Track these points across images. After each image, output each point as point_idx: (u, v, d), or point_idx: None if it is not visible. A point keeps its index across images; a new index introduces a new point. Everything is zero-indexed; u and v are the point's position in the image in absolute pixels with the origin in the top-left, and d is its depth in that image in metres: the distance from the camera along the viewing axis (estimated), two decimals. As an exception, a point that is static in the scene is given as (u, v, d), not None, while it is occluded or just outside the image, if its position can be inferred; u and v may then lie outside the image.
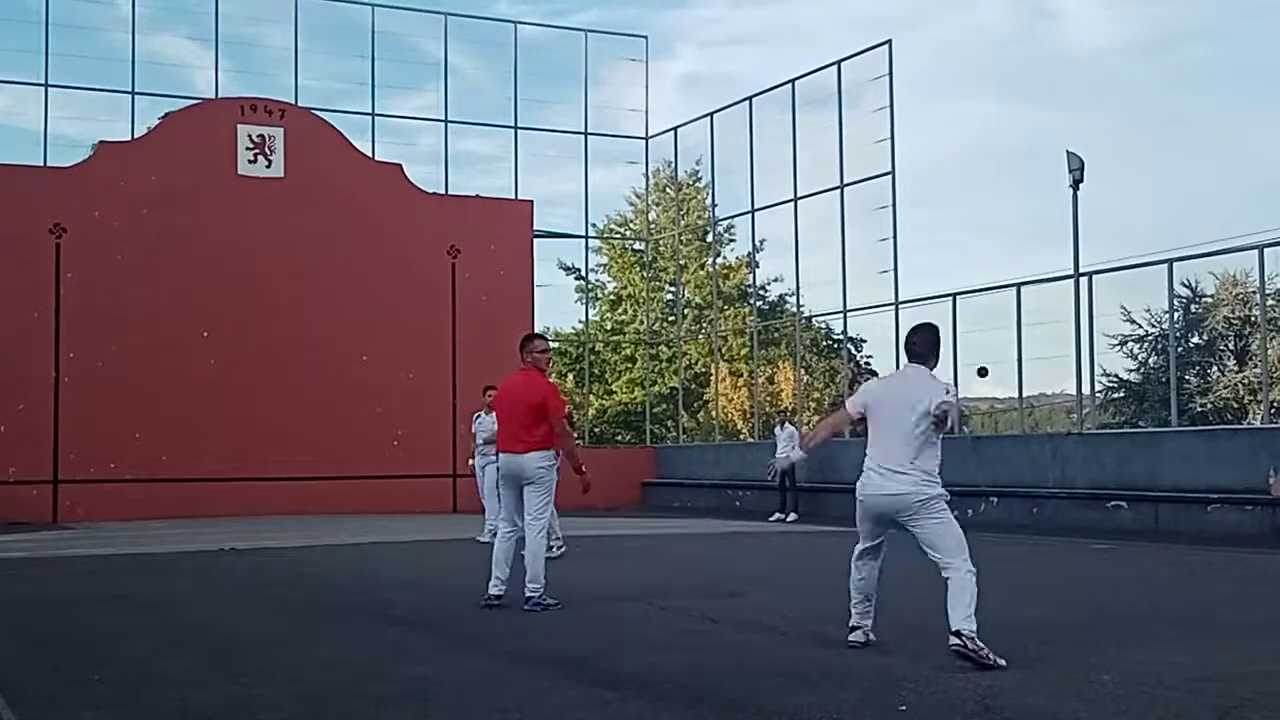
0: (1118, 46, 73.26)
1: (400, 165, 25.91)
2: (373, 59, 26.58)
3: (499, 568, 9.40)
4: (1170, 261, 19.62)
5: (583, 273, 35.55)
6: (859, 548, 7.31)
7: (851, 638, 7.25)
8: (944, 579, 6.86)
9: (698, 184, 35.00)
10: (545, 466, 9.40)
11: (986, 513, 19.92)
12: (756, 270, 32.62)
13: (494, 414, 12.04)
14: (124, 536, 17.67)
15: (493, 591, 9.35)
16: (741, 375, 35.12)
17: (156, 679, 6.50)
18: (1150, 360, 34.65)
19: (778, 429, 22.50)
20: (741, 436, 32.86)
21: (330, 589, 11.03)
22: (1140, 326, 33.92)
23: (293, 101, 25.23)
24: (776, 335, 34.58)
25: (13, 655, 7.40)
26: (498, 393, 10.02)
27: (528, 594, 9.18)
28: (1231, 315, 33.34)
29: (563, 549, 12.96)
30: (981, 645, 6.60)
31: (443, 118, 27.34)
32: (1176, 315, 27.06)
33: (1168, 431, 19.77)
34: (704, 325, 34.85)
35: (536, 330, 27.97)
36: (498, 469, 9.94)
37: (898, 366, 8.34)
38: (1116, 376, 34.49)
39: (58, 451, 22.40)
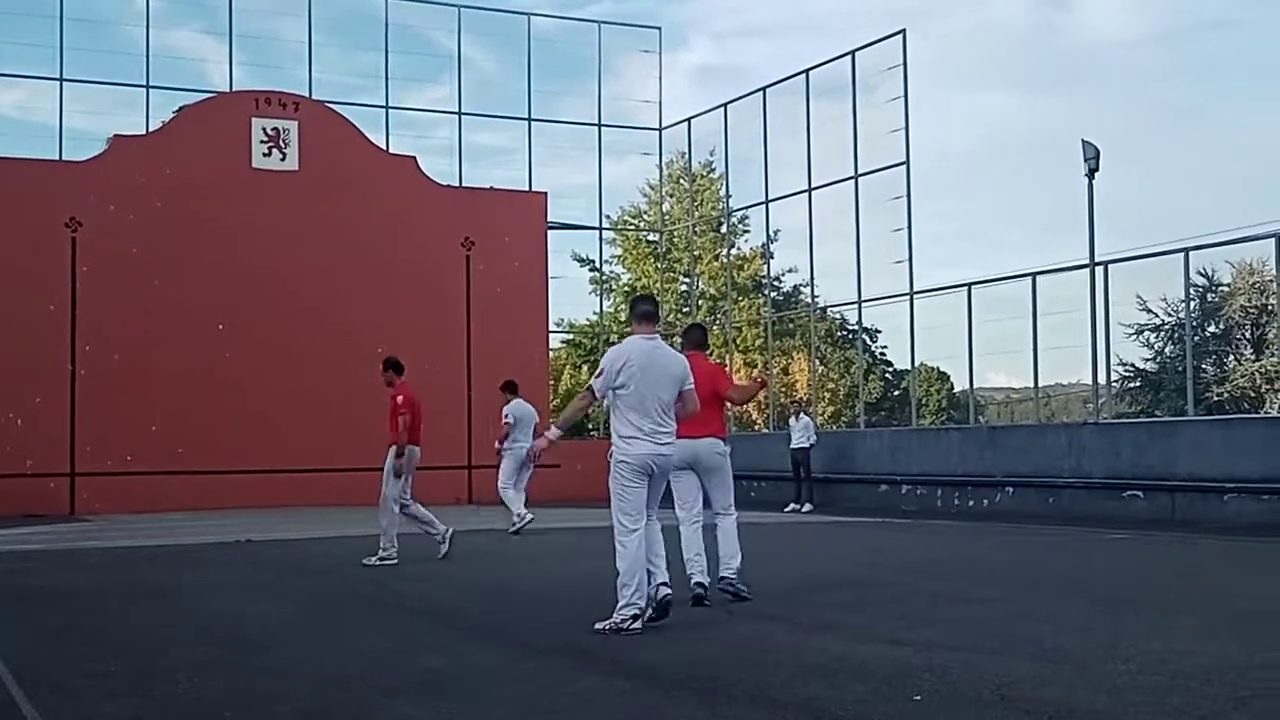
0: (1132, 37, 73.05)
1: (414, 158, 25.93)
2: (386, 52, 26.63)
3: (695, 559, 8.70)
4: (1186, 250, 19.55)
5: (597, 264, 35.56)
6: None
7: None
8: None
9: (711, 175, 34.97)
10: (723, 452, 8.87)
11: (1002, 503, 19.90)
12: (771, 261, 32.61)
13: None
14: (141, 529, 17.74)
15: (702, 581, 8.64)
16: (756, 366, 35.07)
17: (172, 670, 6.51)
18: (1166, 349, 34.48)
19: (792, 419, 22.47)
20: (756, 428, 32.83)
21: (345, 580, 11.06)
22: (1156, 315, 33.77)
23: (307, 95, 25.26)
24: (791, 326, 34.55)
25: (30, 647, 7.43)
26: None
27: (723, 574, 8.86)
28: (1248, 304, 33.18)
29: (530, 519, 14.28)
30: None
31: (457, 110, 27.36)
32: (1193, 304, 26.92)
33: (1184, 421, 19.70)
34: (718, 316, 34.79)
35: (552, 321, 28.17)
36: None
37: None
38: (1133, 366, 34.36)
39: (74, 444, 22.49)
